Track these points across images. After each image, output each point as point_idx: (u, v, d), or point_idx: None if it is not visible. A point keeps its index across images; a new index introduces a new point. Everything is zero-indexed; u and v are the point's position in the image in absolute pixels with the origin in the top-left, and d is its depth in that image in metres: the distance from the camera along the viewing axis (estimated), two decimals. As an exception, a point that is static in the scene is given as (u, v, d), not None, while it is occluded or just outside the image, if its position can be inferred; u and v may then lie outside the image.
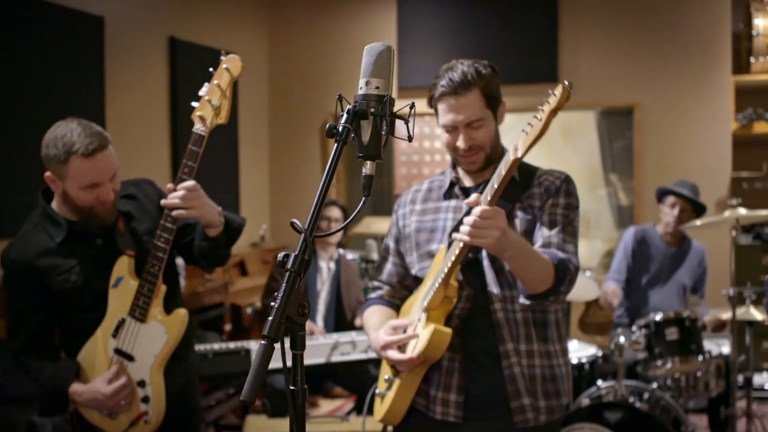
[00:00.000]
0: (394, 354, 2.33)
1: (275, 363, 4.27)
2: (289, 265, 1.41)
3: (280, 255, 1.43)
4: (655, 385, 4.14)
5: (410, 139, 1.63)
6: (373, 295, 2.63)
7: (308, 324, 4.27)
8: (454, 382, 2.34)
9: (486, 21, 6.60)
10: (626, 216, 6.57)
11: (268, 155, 7.20)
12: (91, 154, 2.41)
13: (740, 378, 4.39)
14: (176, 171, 5.66)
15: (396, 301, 2.57)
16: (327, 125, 1.54)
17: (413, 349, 2.31)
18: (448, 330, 2.27)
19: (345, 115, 1.54)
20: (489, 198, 2.11)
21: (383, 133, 1.55)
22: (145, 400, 2.58)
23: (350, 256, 5.43)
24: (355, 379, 4.60)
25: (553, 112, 1.93)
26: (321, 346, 4.12)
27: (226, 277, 5.67)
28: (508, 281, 2.32)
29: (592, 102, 6.49)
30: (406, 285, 2.57)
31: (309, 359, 4.04)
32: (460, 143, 2.32)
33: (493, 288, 2.33)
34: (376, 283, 2.63)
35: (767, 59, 5.97)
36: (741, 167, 6.41)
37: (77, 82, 4.74)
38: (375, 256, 5.30)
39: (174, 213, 2.46)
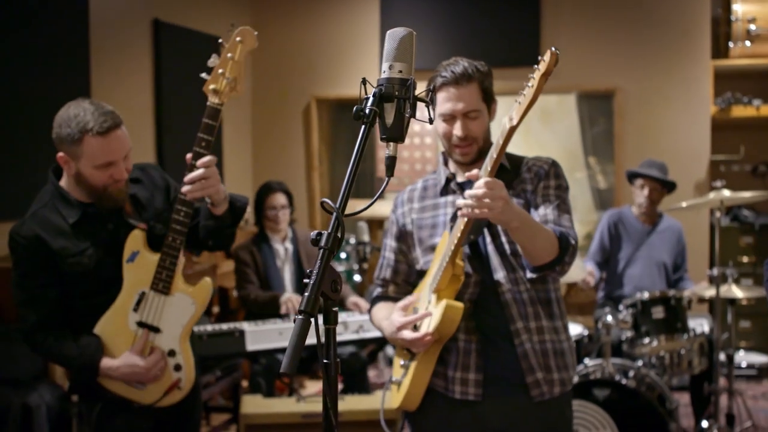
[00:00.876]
0: (408, 334, 2.37)
1: (266, 344, 4.24)
2: (322, 243, 1.45)
3: (313, 233, 1.47)
4: (640, 362, 4.24)
5: (431, 121, 1.69)
6: (377, 293, 2.68)
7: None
8: (472, 362, 2.41)
9: (469, 5, 6.62)
10: (605, 199, 6.65)
11: (251, 138, 7.19)
12: (106, 132, 2.42)
13: (722, 355, 4.50)
14: (160, 151, 5.69)
15: (401, 297, 2.61)
16: (354, 108, 1.57)
17: (427, 327, 2.36)
18: (460, 304, 2.33)
19: (371, 98, 1.57)
20: (489, 168, 2.18)
21: (407, 115, 1.59)
22: (177, 368, 2.62)
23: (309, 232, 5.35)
24: (340, 361, 4.63)
25: (544, 77, 1.99)
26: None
27: (212, 259, 5.68)
28: (511, 264, 2.40)
29: (572, 85, 6.54)
30: (409, 282, 2.64)
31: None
32: (457, 131, 2.39)
33: (499, 271, 2.40)
34: (379, 281, 2.68)
35: (745, 44, 6.06)
36: (719, 150, 6.52)
37: (62, 64, 4.70)
38: (366, 237, 5.32)
39: (189, 196, 2.48)
